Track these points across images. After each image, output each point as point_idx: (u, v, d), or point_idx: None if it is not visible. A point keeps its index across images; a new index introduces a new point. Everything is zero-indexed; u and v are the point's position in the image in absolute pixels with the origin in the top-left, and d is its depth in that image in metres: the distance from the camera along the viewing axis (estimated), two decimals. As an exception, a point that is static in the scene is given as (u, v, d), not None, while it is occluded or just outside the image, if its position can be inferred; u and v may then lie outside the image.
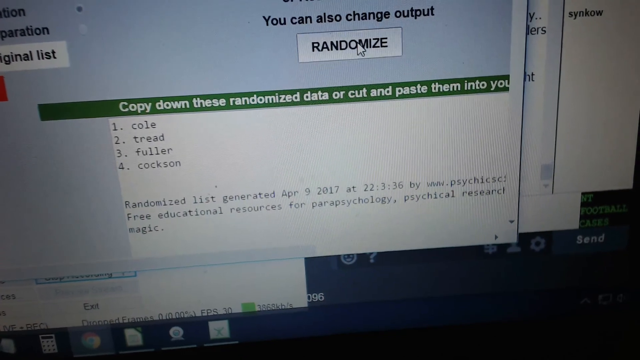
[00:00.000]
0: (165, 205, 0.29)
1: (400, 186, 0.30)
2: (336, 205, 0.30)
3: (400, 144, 0.29)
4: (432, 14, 0.27)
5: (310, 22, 0.27)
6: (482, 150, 0.29)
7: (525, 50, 0.28)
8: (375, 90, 0.28)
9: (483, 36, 0.27)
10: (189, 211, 0.29)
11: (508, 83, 0.28)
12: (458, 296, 0.33)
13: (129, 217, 0.29)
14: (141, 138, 0.28)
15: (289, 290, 0.32)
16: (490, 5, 0.27)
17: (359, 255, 0.31)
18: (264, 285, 0.32)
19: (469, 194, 0.30)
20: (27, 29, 0.26)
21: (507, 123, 0.29)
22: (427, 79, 0.28)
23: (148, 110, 0.28)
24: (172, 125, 0.28)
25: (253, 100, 0.28)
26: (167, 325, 0.32)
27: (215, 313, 0.32)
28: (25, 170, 0.28)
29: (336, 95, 0.28)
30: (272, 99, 0.28)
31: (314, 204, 0.30)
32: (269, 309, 0.32)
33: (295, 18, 0.27)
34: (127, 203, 0.29)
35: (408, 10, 0.27)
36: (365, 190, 0.30)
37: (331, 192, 0.30)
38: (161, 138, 0.28)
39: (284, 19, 0.27)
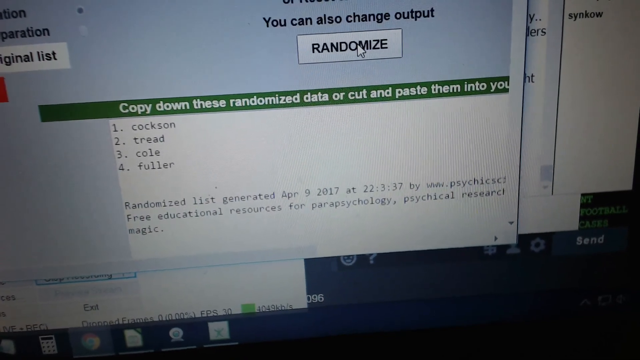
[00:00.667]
0: (165, 206, 0.29)
1: (400, 187, 0.30)
2: (336, 206, 0.30)
3: (400, 145, 0.29)
4: (432, 16, 0.27)
5: (311, 23, 0.27)
6: (481, 151, 0.29)
7: (525, 51, 0.28)
8: (375, 91, 0.28)
9: (483, 37, 0.27)
10: (189, 212, 0.29)
11: (508, 84, 0.28)
12: (458, 297, 0.33)
13: (128, 218, 0.29)
14: (141, 139, 0.28)
15: (288, 291, 0.32)
16: (490, 6, 0.27)
17: (358, 256, 0.31)
18: (264, 286, 0.32)
19: (468, 195, 0.30)
20: (28, 30, 0.26)
21: (507, 124, 0.29)
22: (427, 80, 0.28)
23: (148, 112, 0.28)
24: (172, 127, 0.28)
25: (253, 101, 0.28)
26: (167, 326, 0.32)
27: (215, 314, 0.32)
28: (25, 171, 0.28)
29: (336, 96, 0.28)
30: (272, 100, 0.28)
31: (314, 205, 0.30)
32: (268, 310, 0.32)
33: (295, 19, 0.27)
34: (127, 204, 0.29)
35: (408, 12, 0.27)
36: (365, 191, 0.30)
37: (331, 193, 0.30)
38: (161, 139, 0.28)
39: (284, 20, 0.27)
